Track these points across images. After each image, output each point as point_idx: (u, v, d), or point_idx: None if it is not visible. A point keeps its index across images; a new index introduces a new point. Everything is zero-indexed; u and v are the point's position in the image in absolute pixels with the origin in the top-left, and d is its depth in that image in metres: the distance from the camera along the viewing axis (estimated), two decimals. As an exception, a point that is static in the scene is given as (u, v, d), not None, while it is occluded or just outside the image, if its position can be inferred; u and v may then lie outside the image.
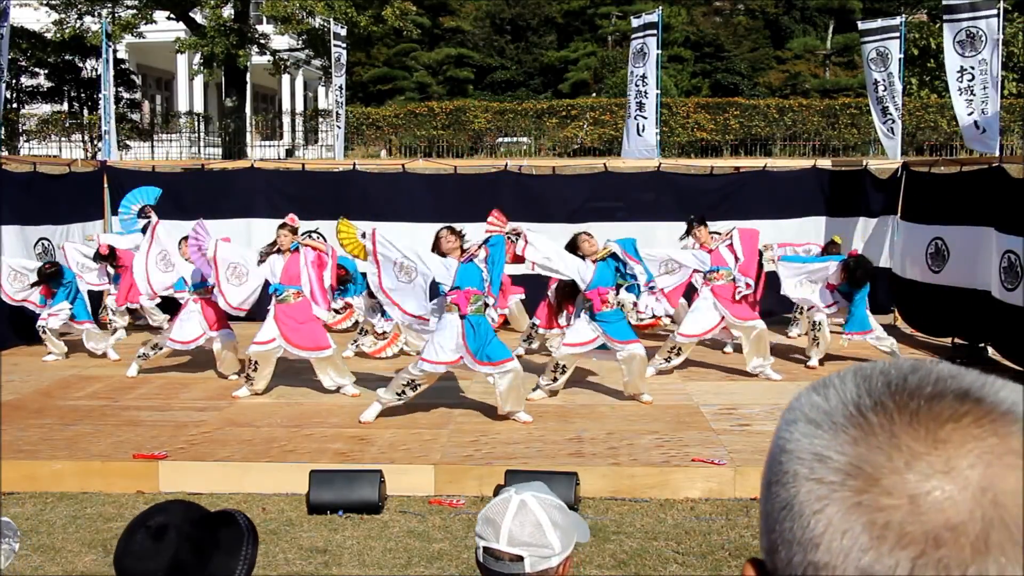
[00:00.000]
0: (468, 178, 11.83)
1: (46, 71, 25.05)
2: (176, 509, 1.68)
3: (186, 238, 8.75)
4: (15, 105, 24.19)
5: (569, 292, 8.82)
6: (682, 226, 8.94)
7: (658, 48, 11.94)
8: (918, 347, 10.32)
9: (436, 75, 36.60)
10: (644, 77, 12.00)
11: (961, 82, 9.77)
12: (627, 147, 12.47)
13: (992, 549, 0.53)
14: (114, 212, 12.07)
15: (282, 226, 8.03)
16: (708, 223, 8.78)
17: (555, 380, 7.76)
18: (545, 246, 7.51)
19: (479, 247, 7.17)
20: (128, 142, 23.67)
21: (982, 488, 0.54)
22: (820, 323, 9.02)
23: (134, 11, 22.03)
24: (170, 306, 10.73)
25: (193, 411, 7.51)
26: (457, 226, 7.49)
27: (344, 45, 14.24)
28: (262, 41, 23.97)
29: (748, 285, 8.42)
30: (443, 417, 7.23)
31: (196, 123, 27.71)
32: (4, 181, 10.13)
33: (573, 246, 7.75)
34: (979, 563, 0.53)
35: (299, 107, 33.44)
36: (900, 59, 11.48)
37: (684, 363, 8.76)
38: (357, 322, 9.94)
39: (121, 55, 24.19)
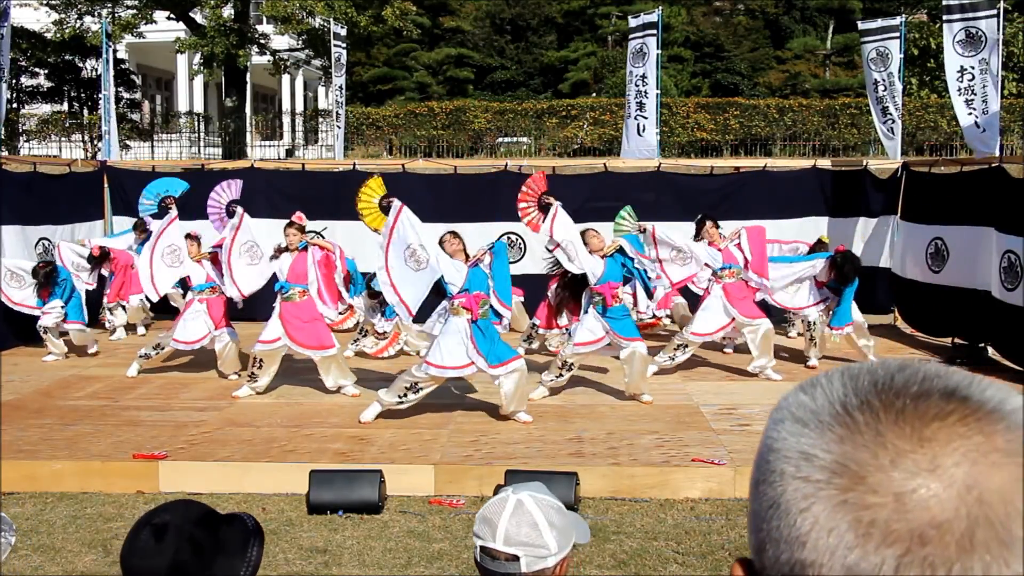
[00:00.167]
0: (468, 178, 11.83)
1: (46, 71, 25.07)
2: (182, 509, 1.69)
3: (190, 236, 8.81)
4: (15, 105, 24.18)
5: (569, 292, 8.82)
6: (680, 226, 8.94)
7: (658, 48, 11.94)
8: (918, 347, 10.33)
9: (436, 75, 36.60)
10: (644, 77, 12.00)
11: (961, 82, 9.76)
12: (627, 147, 12.46)
13: (977, 547, 0.53)
14: (114, 212, 12.09)
15: (290, 224, 8.01)
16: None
17: (559, 377, 7.76)
18: (570, 229, 7.46)
19: (484, 252, 7.18)
20: (128, 142, 23.67)
21: (967, 486, 0.54)
22: (814, 323, 9.04)
23: (134, 11, 22.03)
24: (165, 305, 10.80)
25: (193, 411, 7.51)
26: (456, 226, 7.48)
27: (344, 45, 14.24)
28: (262, 41, 23.97)
29: (763, 284, 8.48)
30: (443, 417, 7.23)
31: (196, 123, 27.72)
32: (4, 181, 10.13)
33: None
34: (964, 561, 0.53)
35: (299, 107, 33.45)
36: (900, 59, 11.48)
37: (685, 363, 8.76)
38: (358, 322, 9.94)
39: (121, 55, 24.19)
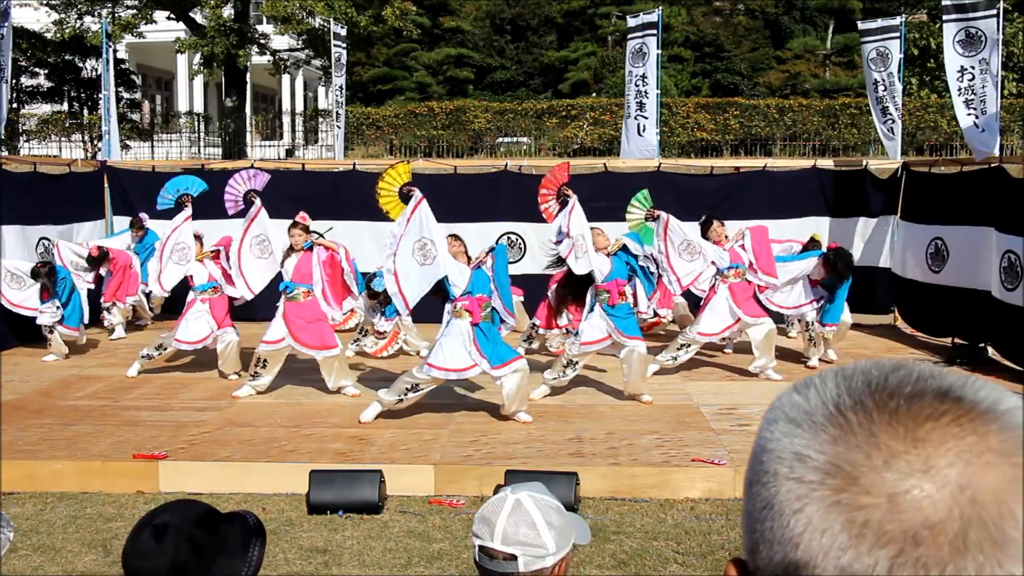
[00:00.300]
0: (468, 178, 11.83)
1: (46, 71, 25.07)
2: (184, 509, 1.69)
3: (193, 235, 8.83)
4: (15, 105, 24.18)
5: (569, 292, 8.82)
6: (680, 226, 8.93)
7: (658, 48, 11.94)
8: (918, 347, 10.33)
9: (436, 75, 36.59)
10: (644, 77, 12.00)
11: (961, 82, 9.76)
12: (626, 147, 12.47)
13: (970, 548, 0.53)
14: (115, 212, 12.09)
15: (294, 224, 8.00)
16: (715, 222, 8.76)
17: (562, 375, 7.76)
18: (584, 225, 7.46)
19: (486, 254, 7.19)
20: (128, 142, 23.66)
21: (960, 487, 0.54)
22: (812, 322, 9.05)
23: (134, 11, 22.03)
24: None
25: (193, 411, 7.51)
26: (456, 226, 7.48)
27: (344, 45, 14.24)
28: (262, 41, 23.96)
29: (771, 284, 8.51)
30: (443, 417, 7.23)
31: (196, 123, 27.72)
32: (4, 181, 10.14)
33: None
34: (957, 562, 0.53)
35: (299, 107, 33.45)
36: (900, 59, 11.48)
37: (685, 362, 8.76)
38: (358, 323, 9.94)
39: (121, 55, 24.19)
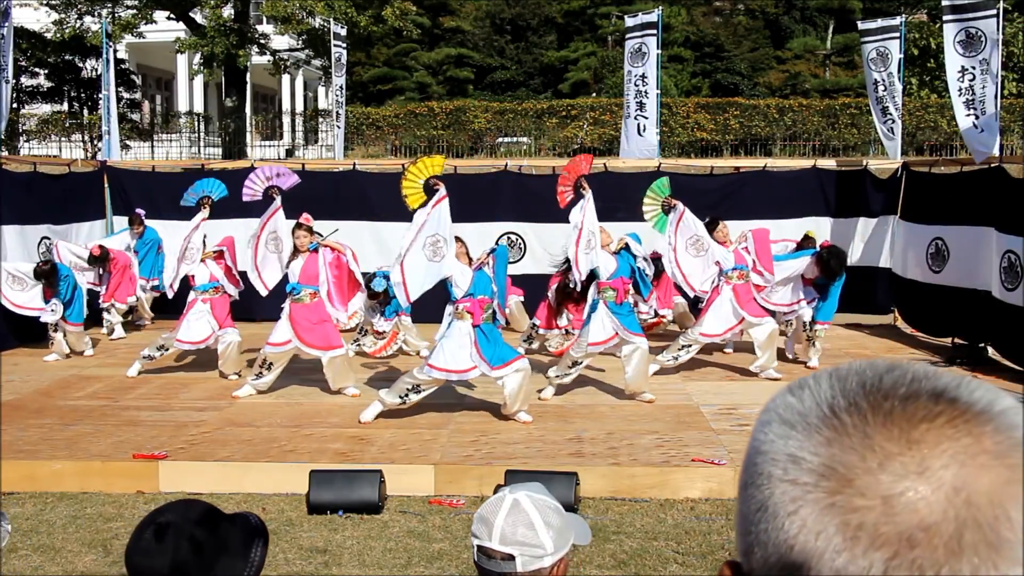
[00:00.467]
0: (468, 178, 11.82)
1: (46, 71, 25.06)
2: (186, 508, 1.69)
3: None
4: (15, 105, 24.18)
5: (569, 292, 8.83)
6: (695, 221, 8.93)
7: (658, 48, 11.94)
8: (918, 347, 10.33)
9: (436, 75, 36.59)
10: (644, 77, 12.00)
11: (962, 82, 9.76)
12: (626, 147, 12.46)
13: (965, 550, 0.53)
14: (115, 212, 12.09)
15: (298, 226, 7.98)
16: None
17: (567, 375, 7.77)
18: (595, 222, 7.48)
19: (487, 255, 7.20)
20: (128, 142, 23.66)
21: (955, 488, 0.54)
22: (807, 322, 9.05)
23: (134, 11, 22.03)
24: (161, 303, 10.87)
25: (193, 411, 7.51)
26: (456, 227, 7.47)
27: (344, 45, 14.24)
28: (262, 41, 23.96)
29: (768, 280, 8.55)
30: (443, 417, 7.24)
31: (196, 123, 27.72)
32: (4, 181, 10.14)
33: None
34: (952, 564, 0.53)
35: (299, 107, 33.45)
36: (900, 59, 11.48)
37: (686, 362, 8.76)
38: (358, 323, 9.94)
39: (121, 55, 24.18)
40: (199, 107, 29.83)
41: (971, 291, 9.60)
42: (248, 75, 25.30)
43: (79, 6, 21.96)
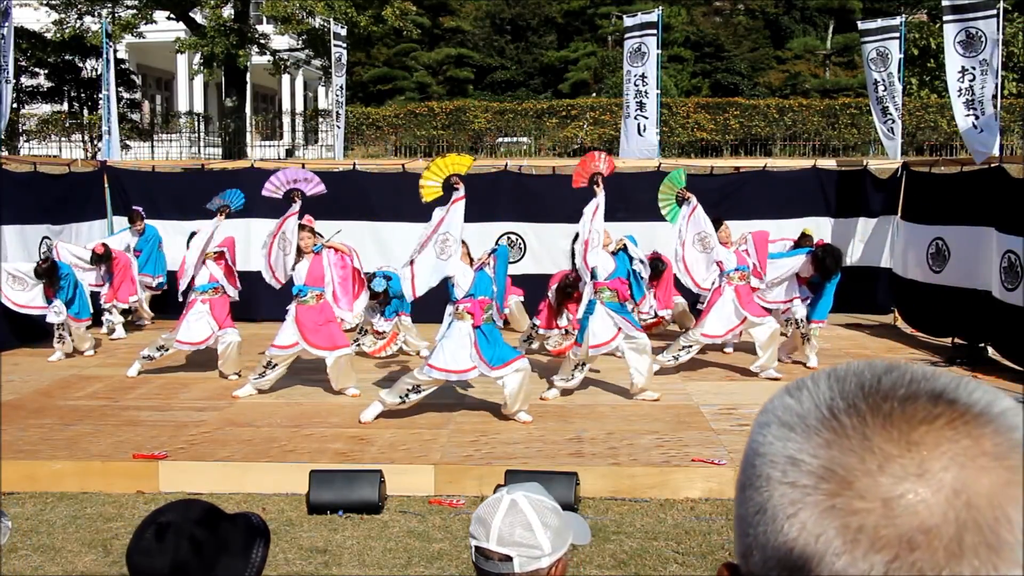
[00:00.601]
0: (468, 178, 11.71)
1: (46, 71, 25.06)
2: (188, 508, 1.69)
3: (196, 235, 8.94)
4: (15, 105, 24.18)
5: (569, 292, 8.83)
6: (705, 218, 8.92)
7: (658, 48, 11.94)
8: (918, 347, 10.32)
9: (436, 75, 36.60)
10: (644, 77, 12.00)
11: (962, 83, 9.76)
12: (625, 147, 12.46)
13: (966, 552, 0.53)
14: (115, 212, 12.09)
15: (300, 228, 7.97)
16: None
17: (572, 378, 7.77)
18: (602, 223, 7.55)
19: (488, 255, 7.21)
20: (128, 142, 23.68)
21: (955, 490, 0.54)
22: (802, 320, 9.04)
23: (134, 11, 22.03)
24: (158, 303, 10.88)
25: (193, 411, 7.51)
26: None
27: (344, 45, 14.24)
28: (262, 41, 23.96)
29: (762, 283, 8.56)
30: (443, 417, 7.24)
31: (196, 123, 27.72)
32: (4, 181, 10.13)
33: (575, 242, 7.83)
34: (953, 566, 0.52)
35: (299, 107, 33.45)
36: (900, 59, 11.48)
37: (686, 362, 8.76)
38: (358, 323, 9.95)
39: (121, 55, 24.18)
40: (199, 107, 29.83)
41: (971, 291, 9.60)
42: (248, 75, 25.30)
43: (79, 6, 21.96)
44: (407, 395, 7.02)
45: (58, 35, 21.93)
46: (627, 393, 7.82)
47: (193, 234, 8.77)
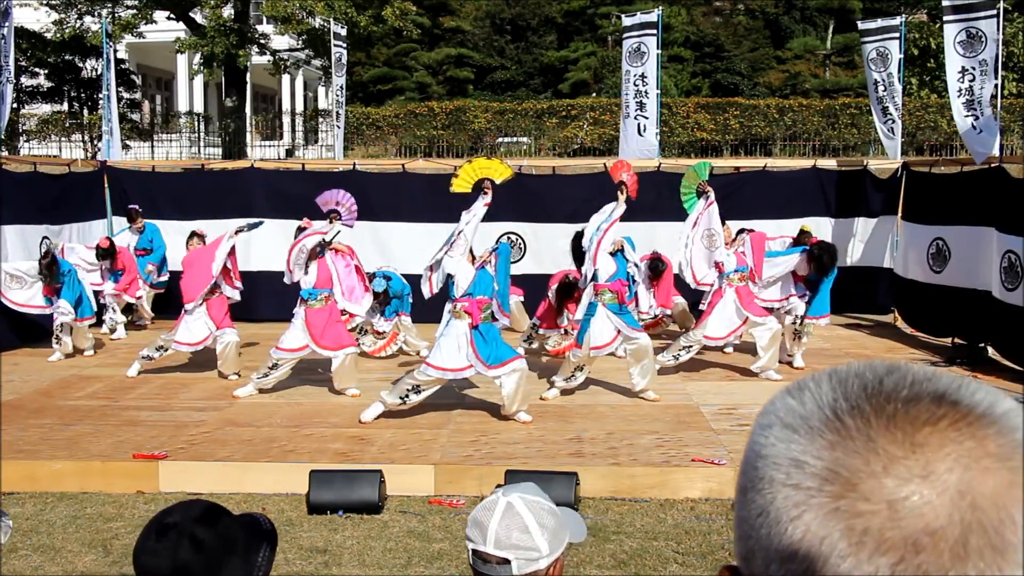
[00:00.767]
0: (468, 178, 11.79)
1: (46, 71, 25.06)
2: (194, 509, 1.69)
3: (196, 235, 9.11)
4: (15, 105, 24.18)
5: (570, 292, 8.84)
6: (680, 226, 8.92)
7: (658, 48, 11.94)
8: (918, 347, 10.32)
9: (436, 75, 36.60)
10: (644, 77, 11.99)
11: (962, 83, 9.76)
12: (625, 147, 12.46)
13: (971, 554, 0.52)
14: (115, 212, 12.09)
15: (301, 230, 7.99)
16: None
17: (572, 379, 7.77)
18: (616, 231, 7.63)
19: (490, 253, 7.21)
20: (128, 142, 23.68)
21: (960, 492, 0.53)
22: (798, 317, 9.03)
23: (134, 11, 22.03)
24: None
25: (193, 411, 7.51)
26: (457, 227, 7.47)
27: (344, 45, 14.24)
28: (262, 41, 23.96)
29: (755, 282, 8.58)
30: (443, 417, 7.23)
31: (196, 123, 27.72)
32: (4, 181, 10.13)
33: (583, 239, 7.84)
34: (958, 568, 0.52)
35: (299, 107, 33.45)
36: (900, 59, 11.48)
37: (685, 362, 8.76)
38: (358, 323, 9.95)
39: (121, 55, 24.19)
40: (199, 107, 29.83)
41: (971, 291, 9.60)
42: (248, 75, 25.31)
43: (79, 6, 21.97)
44: (408, 396, 7.02)
45: (58, 35, 21.93)
46: (627, 393, 7.83)
47: (193, 234, 8.77)
